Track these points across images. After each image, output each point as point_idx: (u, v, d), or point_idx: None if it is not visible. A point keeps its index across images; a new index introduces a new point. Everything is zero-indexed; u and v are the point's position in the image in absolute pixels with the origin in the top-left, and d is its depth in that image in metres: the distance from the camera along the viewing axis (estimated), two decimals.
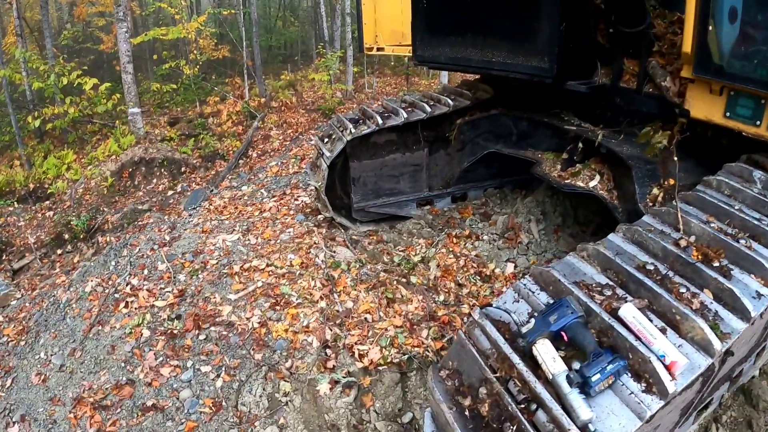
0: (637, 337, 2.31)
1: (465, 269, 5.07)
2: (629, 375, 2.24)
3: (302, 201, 6.91)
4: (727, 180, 3.51)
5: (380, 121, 5.22)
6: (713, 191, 3.48)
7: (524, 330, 2.36)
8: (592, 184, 4.55)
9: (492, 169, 6.25)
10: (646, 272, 2.79)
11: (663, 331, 2.39)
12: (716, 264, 2.83)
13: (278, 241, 5.78)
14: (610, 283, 2.72)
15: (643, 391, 2.17)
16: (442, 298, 4.71)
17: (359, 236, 5.81)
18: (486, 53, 4.41)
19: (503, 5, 4.12)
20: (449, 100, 5.45)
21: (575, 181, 4.61)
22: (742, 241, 3.01)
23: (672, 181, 3.89)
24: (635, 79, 4.21)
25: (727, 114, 3.48)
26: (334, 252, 5.39)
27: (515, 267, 5.20)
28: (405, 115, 5.28)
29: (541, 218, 5.74)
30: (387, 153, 5.74)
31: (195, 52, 14.30)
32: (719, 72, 3.31)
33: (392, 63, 17.94)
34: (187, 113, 14.23)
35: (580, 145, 4.56)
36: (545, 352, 2.26)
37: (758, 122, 3.41)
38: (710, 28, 3.18)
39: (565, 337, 2.34)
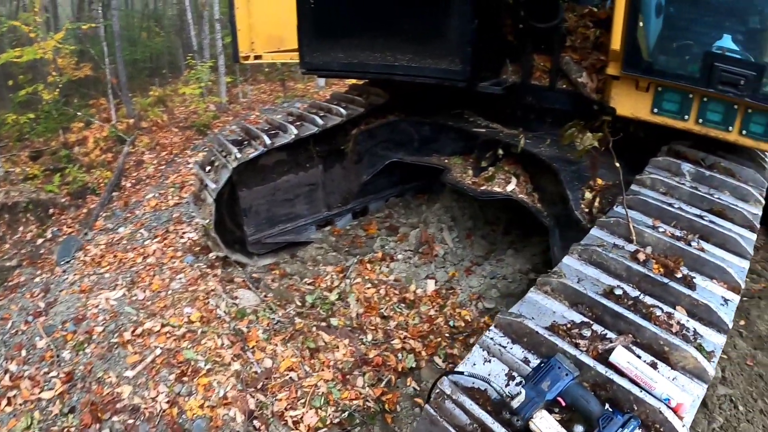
0: (639, 386, 2.02)
1: (387, 298, 4.62)
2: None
3: (189, 238, 6.09)
4: (659, 177, 3.38)
5: (268, 141, 4.59)
6: (649, 191, 3.33)
7: (515, 404, 1.94)
8: (509, 188, 4.28)
9: (393, 178, 5.83)
10: (617, 299, 2.53)
11: (654, 366, 2.16)
12: (679, 275, 2.66)
13: (169, 292, 4.99)
14: (585, 320, 2.39)
15: None
16: (369, 337, 4.21)
17: (260, 272, 5.16)
18: (387, 57, 3.92)
19: (408, 2, 3.68)
20: (341, 109, 4.93)
21: (491, 186, 4.32)
22: (694, 244, 2.90)
23: (601, 182, 3.69)
24: (547, 76, 3.99)
25: (655, 110, 3.33)
26: (236, 298, 4.71)
27: (436, 282, 4.84)
28: (295, 131, 4.68)
29: (452, 225, 5.44)
30: (278, 175, 5.10)
31: (54, 73, 12.56)
32: (649, 68, 3.13)
33: (266, 69, 16.97)
34: (51, 144, 12.49)
35: (500, 151, 4.25)
36: (547, 426, 1.87)
37: (686, 116, 3.31)
38: (640, 24, 2.97)
39: (563, 403, 1.96)
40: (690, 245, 2.86)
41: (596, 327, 2.35)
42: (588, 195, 3.57)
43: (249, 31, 5.65)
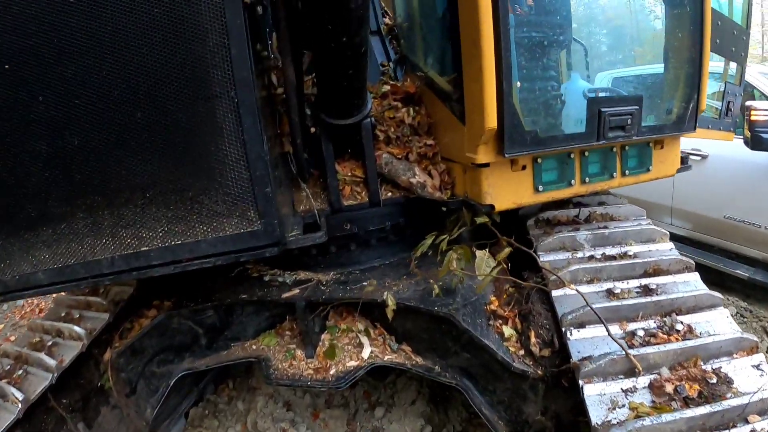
0: None
1: None
2: None
3: None
4: (574, 266, 2.58)
5: None
6: (580, 288, 2.47)
7: None
8: (366, 354, 2.92)
9: (182, 387, 4.00)
10: None
11: None
12: (713, 378, 2.03)
13: None
14: None
15: None
16: None
17: None
18: (126, 241, 2.18)
19: (138, 134, 2.02)
20: (76, 328, 3.11)
21: (342, 362, 2.95)
22: (680, 327, 2.29)
23: (497, 303, 2.68)
24: (363, 189, 2.89)
25: (539, 188, 2.51)
26: None
27: None
28: (19, 396, 2.74)
29: (293, 416, 3.88)
30: None
31: None
32: (534, 140, 2.25)
33: None
34: None
35: (360, 326, 2.96)
36: None
37: (572, 181, 2.58)
38: (517, 86, 2.09)
39: None
40: (679, 332, 2.26)
41: None
42: (508, 331, 2.54)
43: None
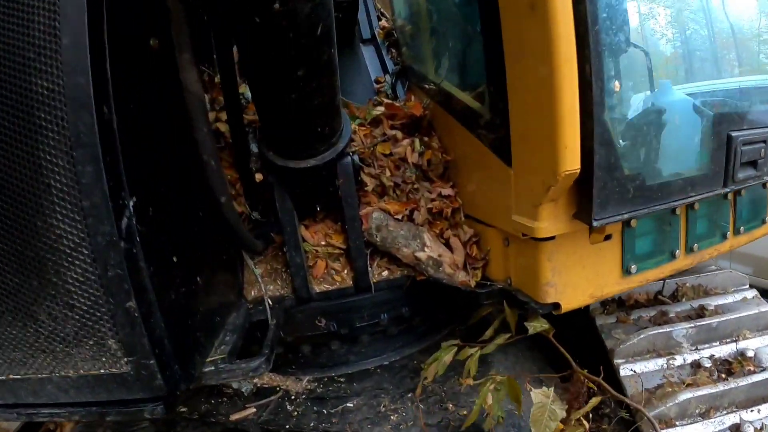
0: None
1: None
2: None
3: None
4: (678, 394, 1.64)
5: None
6: (694, 428, 1.56)
7: None
8: None
9: None
10: None
11: None
12: None
13: None
14: None
15: None
16: None
17: None
18: None
19: None
20: None
21: None
22: None
23: None
24: (342, 265, 1.92)
25: (632, 267, 1.53)
26: None
27: None
28: None
29: None
30: None
31: None
32: (641, 191, 1.29)
33: None
34: None
35: None
36: None
37: (676, 251, 1.62)
38: (616, 86, 1.18)
39: None
40: None
41: None
42: None
43: None
